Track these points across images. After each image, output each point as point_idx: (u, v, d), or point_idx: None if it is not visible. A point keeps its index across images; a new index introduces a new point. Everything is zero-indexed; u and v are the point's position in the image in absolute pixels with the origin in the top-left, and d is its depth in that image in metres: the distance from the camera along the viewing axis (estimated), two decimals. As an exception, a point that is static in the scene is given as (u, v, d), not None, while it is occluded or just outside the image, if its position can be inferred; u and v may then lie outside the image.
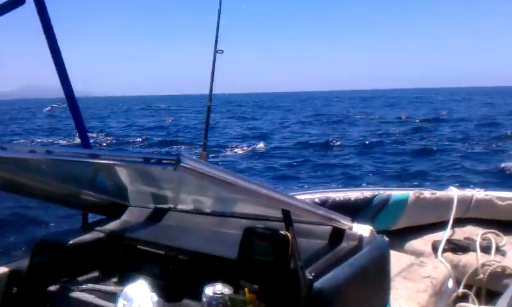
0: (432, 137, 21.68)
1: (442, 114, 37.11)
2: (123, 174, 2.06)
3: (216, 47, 3.75)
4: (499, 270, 3.13)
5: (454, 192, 3.78)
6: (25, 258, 2.36)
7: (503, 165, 13.37)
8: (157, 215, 2.63)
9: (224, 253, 2.02)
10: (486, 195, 3.79)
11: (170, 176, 1.72)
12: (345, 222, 2.05)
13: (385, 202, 3.59)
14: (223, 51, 3.77)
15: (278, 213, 1.78)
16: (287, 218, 1.73)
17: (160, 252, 2.18)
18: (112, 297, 1.96)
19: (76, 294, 2.08)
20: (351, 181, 11.71)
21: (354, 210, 3.47)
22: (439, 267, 3.10)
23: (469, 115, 35.01)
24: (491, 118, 30.81)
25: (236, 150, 19.56)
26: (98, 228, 2.53)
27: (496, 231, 3.52)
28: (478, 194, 3.81)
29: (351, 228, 2.08)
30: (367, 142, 20.31)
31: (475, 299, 3.07)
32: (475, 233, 3.54)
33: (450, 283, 3.08)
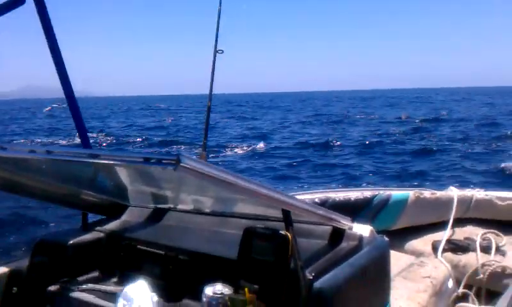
0: (432, 137, 21.71)
1: (442, 114, 37.13)
2: (123, 174, 2.06)
3: (215, 47, 3.75)
4: (499, 270, 3.13)
5: (454, 192, 3.78)
6: (25, 258, 2.36)
7: (503, 165, 13.38)
8: (157, 215, 2.63)
9: (224, 253, 2.03)
10: (486, 195, 3.79)
11: (170, 176, 1.72)
12: (345, 222, 2.05)
13: (385, 202, 3.59)
14: (223, 51, 3.77)
15: (278, 213, 1.78)
16: (286, 218, 1.73)
17: (160, 252, 2.18)
18: (112, 297, 1.96)
19: (76, 294, 2.09)
20: (351, 181, 11.71)
21: (354, 210, 3.47)
22: (439, 267, 3.10)
23: (469, 115, 35.04)
24: (491, 118, 30.82)
25: (236, 150, 19.54)
26: (98, 228, 2.53)
27: (496, 231, 3.52)
28: (478, 194, 3.81)
29: (351, 228, 2.08)
30: (367, 142, 20.32)
31: (475, 299, 3.07)
32: (475, 233, 3.54)
33: (450, 283, 3.08)
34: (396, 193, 3.68)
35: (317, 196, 3.54)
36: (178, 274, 2.09)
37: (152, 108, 70.49)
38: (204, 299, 1.72)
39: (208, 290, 1.72)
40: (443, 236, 3.47)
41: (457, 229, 3.66)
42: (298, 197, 3.47)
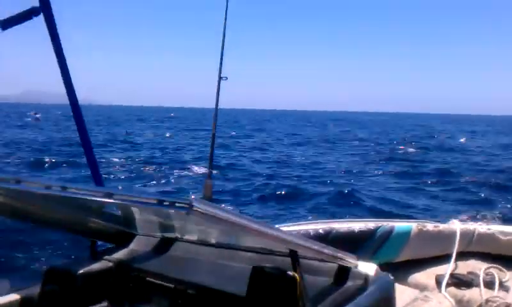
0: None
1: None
2: (132, 206, 2.09)
3: (220, 74, 3.80)
4: None
5: (456, 226, 3.79)
6: (35, 286, 2.37)
7: None
8: (164, 245, 2.65)
9: (232, 289, 2.04)
10: (489, 229, 3.80)
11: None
12: (351, 261, 2.08)
13: (388, 234, 3.60)
14: (227, 78, 3.82)
15: (283, 247, 1.81)
16: (294, 258, 1.76)
17: (170, 285, 2.19)
18: None
19: None
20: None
21: (358, 241, 3.49)
22: (443, 302, 3.10)
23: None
24: None
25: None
26: (106, 257, 2.55)
27: (499, 266, 3.52)
28: (480, 228, 3.82)
29: (356, 266, 2.10)
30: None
31: None
32: (478, 267, 3.54)
33: None
34: (399, 225, 3.70)
35: (321, 226, 3.55)
36: None
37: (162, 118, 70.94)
38: None
39: None
40: (446, 269, 3.48)
41: (460, 263, 3.66)
42: (303, 227, 3.50)
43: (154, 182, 15.17)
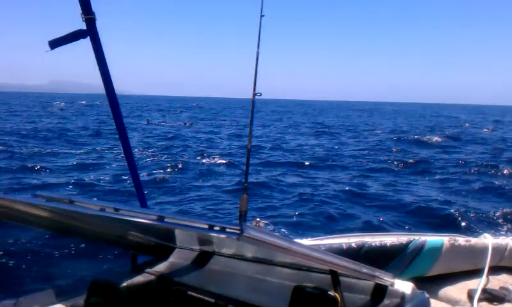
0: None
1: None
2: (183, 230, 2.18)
3: (254, 90, 3.85)
4: None
5: (488, 240, 3.79)
6: (80, 297, 2.49)
7: None
8: (203, 259, 2.73)
9: (271, 305, 2.11)
10: None
11: None
12: (387, 279, 2.14)
13: (420, 248, 3.62)
14: (261, 94, 3.87)
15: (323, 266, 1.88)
16: (335, 278, 1.83)
17: (210, 300, 2.28)
18: None
19: None
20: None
21: (390, 255, 3.52)
22: None
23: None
24: None
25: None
26: (148, 270, 2.65)
27: None
28: None
29: (393, 285, 2.15)
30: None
31: None
32: (510, 282, 3.54)
33: None
34: (431, 239, 3.71)
35: (354, 240, 3.60)
36: None
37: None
38: None
39: None
40: (477, 284, 3.49)
41: (491, 278, 3.67)
42: (336, 240, 3.56)
43: (168, 170, 15.42)
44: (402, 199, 11.50)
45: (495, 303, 3.35)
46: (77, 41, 3.06)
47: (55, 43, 3.00)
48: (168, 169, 15.47)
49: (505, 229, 8.88)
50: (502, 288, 3.50)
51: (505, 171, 16.09)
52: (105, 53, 3.12)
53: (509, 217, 9.65)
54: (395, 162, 18.34)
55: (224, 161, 17.50)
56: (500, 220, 9.51)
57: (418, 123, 51.32)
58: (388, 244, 3.60)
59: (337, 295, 1.82)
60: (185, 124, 40.63)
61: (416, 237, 3.72)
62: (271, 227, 2.85)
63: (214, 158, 18.35)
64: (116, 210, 1.79)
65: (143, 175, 13.74)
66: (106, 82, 3.09)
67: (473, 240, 3.81)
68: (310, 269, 2.25)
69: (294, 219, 9.33)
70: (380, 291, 2.12)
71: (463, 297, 3.48)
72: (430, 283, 3.57)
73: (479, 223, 9.32)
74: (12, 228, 6.72)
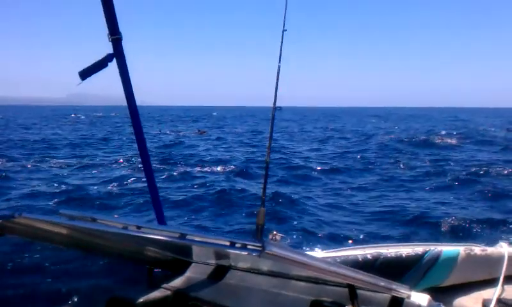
0: None
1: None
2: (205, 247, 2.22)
3: (274, 104, 3.89)
4: None
5: (504, 249, 3.78)
6: None
7: None
8: (219, 273, 2.77)
9: None
10: None
11: None
12: (404, 291, 2.16)
13: (436, 259, 3.62)
14: (281, 108, 3.91)
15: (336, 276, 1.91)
16: (352, 292, 1.87)
17: None
18: None
19: None
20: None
21: (406, 266, 3.54)
22: None
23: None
24: None
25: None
26: (164, 285, 2.69)
27: None
28: None
29: (409, 297, 2.17)
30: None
31: None
32: None
33: None
34: (446, 249, 3.71)
35: (369, 251, 3.62)
36: None
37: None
38: None
39: None
40: (492, 294, 3.47)
41: (507, 287, 3.64)
42: (350, 252, 3.59)
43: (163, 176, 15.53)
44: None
45: None
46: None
47: (85, 74, 3.05)
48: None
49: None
50: None
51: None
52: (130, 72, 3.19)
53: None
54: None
55: (220, 169, 17.53)
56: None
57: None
58: (404, 255, 3.61)
59: None
60: (198, 131, 40.87)
61: (432, 247, 3.72)
62: (287, 240, 2.89)
63: (211, 166, 18.35)
64: (138, 227, 1.85)
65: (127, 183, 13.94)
66: (129, 101, 3.15)
67: (489, 249, 3.80)
68: (327, 282, 2.27)
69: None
70: (397, 303, 2.14)
71: None
72: (445, 294, 3.57)
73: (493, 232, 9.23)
74: (27, 244, 6.83)
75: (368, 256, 3.51)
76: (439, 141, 28.33)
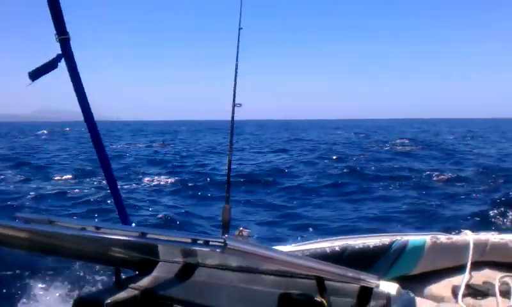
0: None
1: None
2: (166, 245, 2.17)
3: (234, 101, 3.89)
4: None
5: (469, 236, 3.85)
6: None
7: None
8: (187, 271, 2.72)
9: None
10: (502, 239, 3.86)
11: None
12: (372, 281, 2.15)
13: (403, 248, 3.67)
14: (241, 105, 3.90)
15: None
16: (320, 284, 1.85)
17: None
18: None
19: None
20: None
21: (374, 256, 3.56)
22: None
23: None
24: None
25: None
26: (131, 285, 2.62)
27: None
28: (493, 237, 3.88)
29: (378, 286, 2.17)
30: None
31: None
32: (493, 277, 3.59)
33: None
34: (413, 238, 3.76)
35: (337, 243, 3.63)
36: None
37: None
38: None
39: None
40: (461, 280, 3.54)
41: (474, 273, 3.72)
42: (319, 245, 3.59)
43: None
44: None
45: (478, 298, 3.40)
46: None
47: (35, 75, 2.96)
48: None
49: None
50: (485, 282, 3.55)
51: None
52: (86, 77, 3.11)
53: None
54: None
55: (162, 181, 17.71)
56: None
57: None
58: (371, 246, 3.63)
59: (323, 300, 1.82)
60: (161, 144, 40.79)
61: (399, 237, 3.76)
62: (254, 236, 2.87)
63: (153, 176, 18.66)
64: (97, 228, 1.79)
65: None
66: (82, 103, 3.06)
67: (455, 237, 3.87)
68: (296, 275, 2.25)
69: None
70: (366, 293, 2.13)
71: (448, 293, 3.52)
72: (415, 282, 3.61)
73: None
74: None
75: (337, 248, 3.52)
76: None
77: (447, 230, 4.82)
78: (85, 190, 15.15)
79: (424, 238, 3.76)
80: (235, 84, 3.81)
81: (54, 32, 2.98)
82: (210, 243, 1.39)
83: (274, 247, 1.69)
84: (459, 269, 3.69)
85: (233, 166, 3.78)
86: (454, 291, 3.49)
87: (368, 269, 2.51)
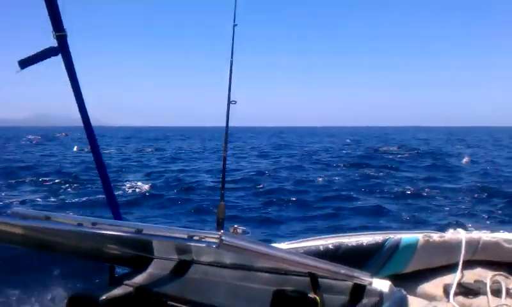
0: None
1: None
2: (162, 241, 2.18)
3: (229, 98, 3.89)
4: None
5: (461, 235, 3.88)
6: None
7: None
8: (182, 268, 2.73)
9: None
10: (493, 237, 3.88)
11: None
12: (365, 278, 2.18)
13: (396, 246, 3.69)
14: (236, 102, 3.91)
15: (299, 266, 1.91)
16: (314, 281, 1.87)
17: None
18: None
19: None
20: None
21: (367, 254, 3.58)
22: None
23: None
24: None
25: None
26: (126, 282, 2.63)
27: (505, 274, 3.60)
28: (485, 236, 3.91)
29: (370, 284, 2.20)
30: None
31: None
32: (485, 275, 3.62)
33: None
34: (406, 237, 3.79)
35: (331, 241, 3.65)
36: None
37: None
38: None
39: None
40: (453, 279, 3.56)
41: (466, 272, 3.74)
42: (313, 242, 3.61)
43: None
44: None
45: (470, 296, 3.43)
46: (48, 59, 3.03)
47: (25, 62, 2.95)
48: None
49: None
50: (476, 281, 3.58)
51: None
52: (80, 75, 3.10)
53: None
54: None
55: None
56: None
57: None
58: (365, 243, 3.66)
59: (316, 297, 1.85)
60: (150, 151, 41.29)
61: (392, 235, 3.79)
62: (249, 233, 2.88)
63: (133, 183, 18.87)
64: (94, 224, 1.79)
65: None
66: (78, 100, 3.06)
67: (447, 236, 3.89)
68: (290, 273, 2.27)
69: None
70: (359, 290, 2.15)
71: (440, 292, 3.55)
72: (407, 280, 3.64)
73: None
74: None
75: (330, 246, 3.54)
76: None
77: (440, 229, 4.85)
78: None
79: (417, 236, 3.79)
80: (230, 81, 3.81)
81: (51, 29, 2.98)
82: (206, 238, 1.40)
83: (268, 244, 1.71)
84: (451, 267, 3.72)
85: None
86: (446, 289, 3.52)
87: (361, 267, 2.53)
